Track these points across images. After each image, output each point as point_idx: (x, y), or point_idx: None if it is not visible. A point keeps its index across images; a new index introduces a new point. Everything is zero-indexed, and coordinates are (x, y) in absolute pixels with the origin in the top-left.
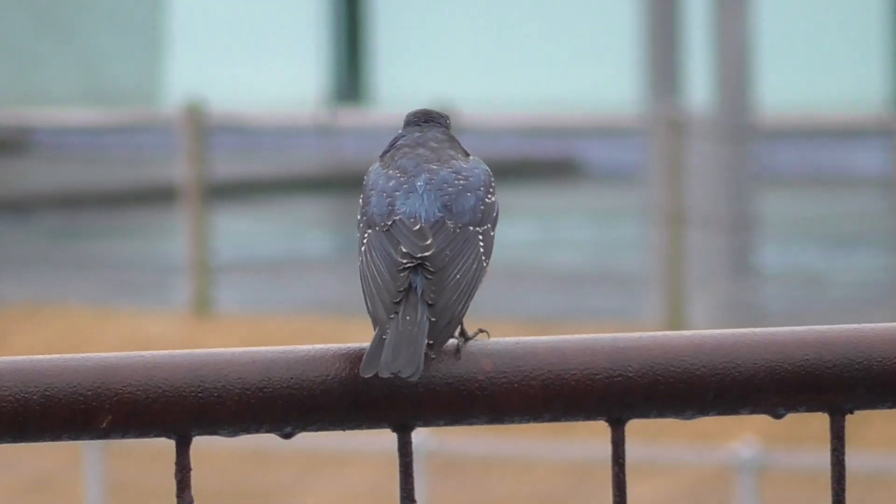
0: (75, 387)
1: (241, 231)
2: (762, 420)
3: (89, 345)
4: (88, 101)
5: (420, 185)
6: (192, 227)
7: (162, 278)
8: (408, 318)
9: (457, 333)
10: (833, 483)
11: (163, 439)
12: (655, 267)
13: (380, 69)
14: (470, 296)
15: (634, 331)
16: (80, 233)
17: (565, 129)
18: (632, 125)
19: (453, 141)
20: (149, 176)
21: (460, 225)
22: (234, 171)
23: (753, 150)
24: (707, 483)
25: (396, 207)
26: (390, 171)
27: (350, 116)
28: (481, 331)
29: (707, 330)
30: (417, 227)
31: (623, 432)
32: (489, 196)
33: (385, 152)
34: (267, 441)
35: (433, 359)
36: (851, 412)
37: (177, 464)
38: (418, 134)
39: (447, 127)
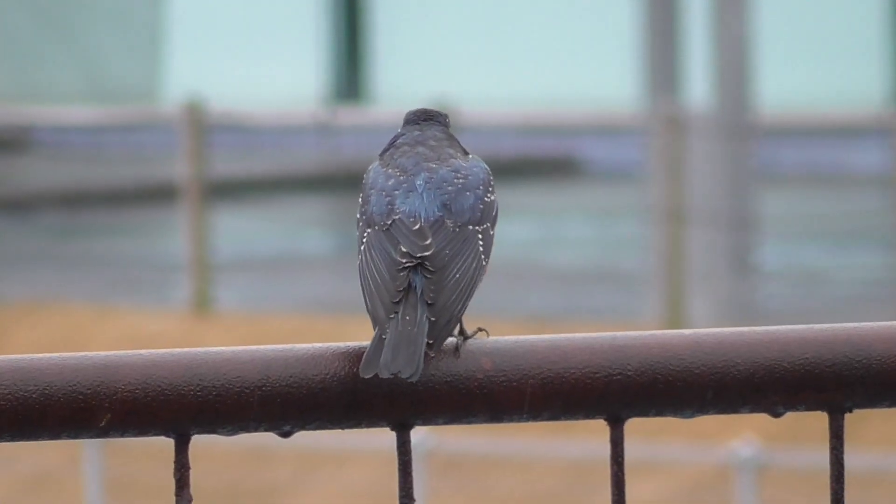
0: (74, 385)
1: (240, 229)
2: (761, 419)
3: (89, 343)
4: (88, 99)
5: (419, 184)
6: (192, 226)
7: (161, 276)
8: (407, 317)
9: (456, 332)
10: (832, 482)
11: (162, 438)
12: (655, 265)
13: (379, 67)
14: (469, 295)
15: (634, 329)
16: (79, 231)
17: (565, 127)
18: (631, 123)
19: (452, 140)
20: (149, 174)
21: (459, 224)
22: (233, 170)
23: (753, 148)
24: (706, 482)
25: (396, 206)
26: (390, 170)
27: (350, 115)
28: (480, 329)
29: (706, 328)
30: (417, 226)
31: (622, 431)
32: (488, 195)
33: (384, 151)
34: (266, 439)
35: (433, 357)
36: (850, 411)
37: (176, 462)
38: (418, 132)
39: (446, 126)
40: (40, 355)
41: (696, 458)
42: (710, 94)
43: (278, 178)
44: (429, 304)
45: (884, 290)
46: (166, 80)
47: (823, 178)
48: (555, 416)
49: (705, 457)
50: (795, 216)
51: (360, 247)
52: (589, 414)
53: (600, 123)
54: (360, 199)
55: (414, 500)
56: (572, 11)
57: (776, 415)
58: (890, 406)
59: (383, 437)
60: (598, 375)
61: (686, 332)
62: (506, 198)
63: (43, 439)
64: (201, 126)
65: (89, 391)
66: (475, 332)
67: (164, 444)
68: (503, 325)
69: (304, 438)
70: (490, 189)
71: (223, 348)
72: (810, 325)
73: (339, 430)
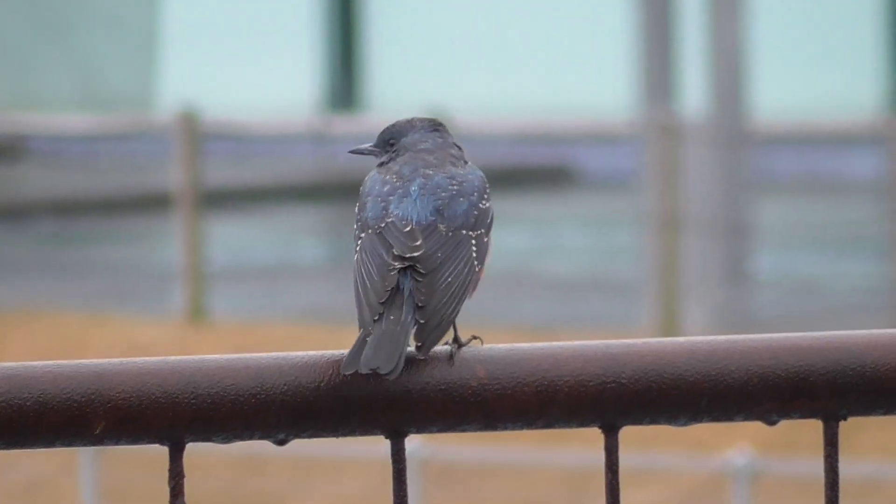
0: (69, 393)
1: (235, 238)
2: (756, 427)
3: (83, 351)
4: (83, 108)
5: (414, 190)
6: (186, 234)
7: (156, 285)
8: (392, 317)
9: (450, 340)
10: (826, 490)
11: (156, 446)
12: (650, 273)
13: (374, 76)
14: (461, 300)
15: (629, 337)
16: (74, 239)
17: (559, 136)
18: (626, 131)
19: (455, 148)
20: (143, 182)
21: (452, 229)
22: (228, 178)
23: (748, 156)
24: (701, 490)
25: (390, 210)
26: (387, 177)
27: (344, 123)
28: (475, 337)
29: (700, 336)
30: (408, 228)
31: (617, 439)
32: (483, 202)
33: (382, 163)
34: (261, 448)
35: (422, 359)
36: (845, 418)
37: (170, 470)
38: (422, 142)
39: (449, 135)
40: (35, 363)
41: (690, 466)
42: (706, 102)
43: (273, 187)
44: (419, 307)
45: (878, 298)
46: (161, 88)
47: (818, 186)
48: (549, 425)
49: (700, 465)
50: (790, 224)
51: (355, 251)
52: (583, 422)
53: (595, 132)
54: (356, 208)
55: None
56: (567, 20)
57: (771, 423)
58: (884, 414)
59: (378, 446)
60: (592, 383)
61: (680, 339)
62: (501, 206)
63: (37, 447)
64: (196, 134)
65: (84, 399)
66: (469, 340)
67: (158, 452)
68: (498, 332)
69: (299, 446)
70: (485, 196)
71: (217, 356)
72: (804, 333)
73: (334, 439)
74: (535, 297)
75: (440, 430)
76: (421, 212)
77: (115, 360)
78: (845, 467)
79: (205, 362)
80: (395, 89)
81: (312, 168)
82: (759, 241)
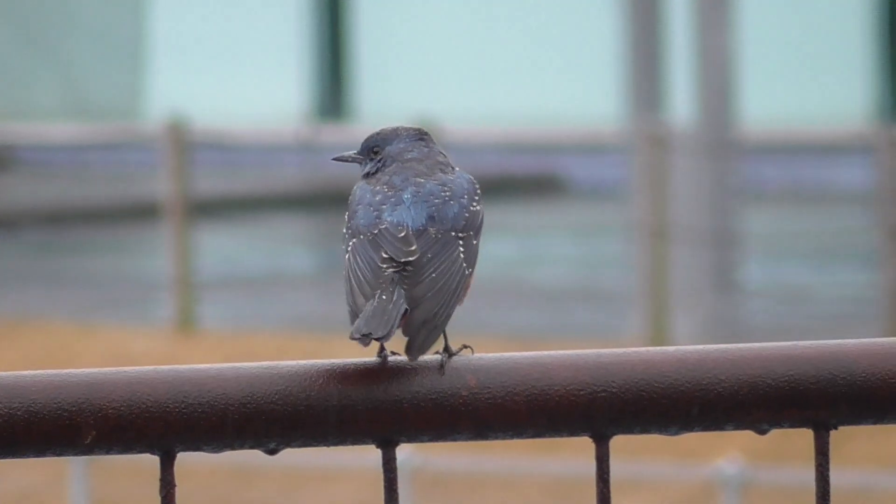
0: (59, 402)
1: (224, 247)
2: (746, 437)
3: (73, 361)
4: (71, 117)
5: (407, 198)
6: (175, 244)
7: (145, 294)
8: (383, 297)
9: (441, 349)
10: (817, 499)
11: (147, 455)
12: (638, 283)
13: (362, 85)
14: (450, 302)
15: (618, 347)
16: (62, 249)
17: (548, 146)
18: (614, 141)
19: (441, 155)
20: (132, 192)
21: (442, 231)
22: (217, 188)
23: (736, 166)
24: (691, 500)
25: (383, 218)
26: (377, 188)
27: (332, 133)
28: (465, 346)
29: (690, 346)
30: (403, 234)
31: (607, 448)
32: (473, 204)
33: (369, 173)
34: (251, 457)
35: (411, 366)
36: (835, 427)
37: (161, 480)
38: (408, 151)
39: (433, 143)
40: (24, 372)
41: (681, 475)
42: (694, 111)
43: (261, 196)
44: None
45: (867, 307)
46: (149, 98)
47: (807, 195)
48: (540, 434)
49: (690, 474)
50: (779, 233)
51: (345, 256)
52: (574, 431)
53: (583, 141)
54: (346, 216)
55: None
56: (555, 30)
57: (761, 432)
58: (874, 423)
59: (369, 455)
60: (582, 392)
61: (670, 349)
62: (489, 216)
63: (28, 457)
64: (184, 144)
65: (74, 408)
66: (460, 349)
67: (149, 462)
68: (487, 342)
69: (290, 456)
70: (475, 199)
71: (208, 366)
72: (794, 342)
73: (325, 448)
74: (523, 307)
75: (431, 440)
76: (415, 218)
77: (106, 370)
78: (836, 476)
79: (195, 372)
80: (383, 99)
81: (300, 178)
82: (747, 251)
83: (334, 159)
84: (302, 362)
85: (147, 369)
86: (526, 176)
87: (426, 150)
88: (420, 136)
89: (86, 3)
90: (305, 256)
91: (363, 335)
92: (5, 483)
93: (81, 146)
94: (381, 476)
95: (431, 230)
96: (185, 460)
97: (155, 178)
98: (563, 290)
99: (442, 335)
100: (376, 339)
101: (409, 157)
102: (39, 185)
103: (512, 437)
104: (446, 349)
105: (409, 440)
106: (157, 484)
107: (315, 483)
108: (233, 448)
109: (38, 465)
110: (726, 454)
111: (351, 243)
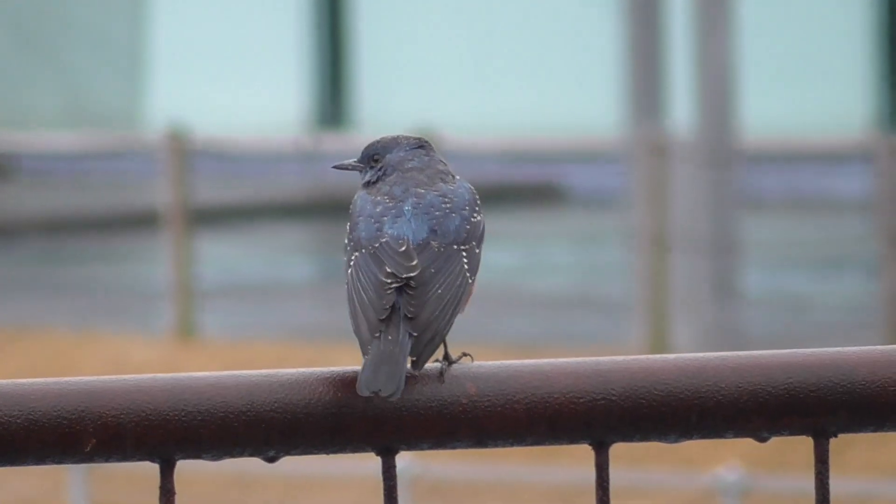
0: (59, 410)
1: (224, 256)
2: (746, 445)
3: (72, 370)
4: (71, 126)
5: (407, 210)
6: (175, 252)
7: (145, 303)
8: (390, 337)
9: (441, 357)
10: None
11: (147, 463)
12: (638, 291)
13: (362, 94)
14: (453, 312)
15: (618, 355)
16: (63, 257)
17: (548, 154)
18: (614, 149)
19: (441, 164)
20: (131, 201)
21: (444, 244)
22: (216, 196)
23: (736, 174)
24: None
25: (384, 230)
26: (378, 198)
27: (333, 141)
28: (465, 354)
29: (690, 353)
30: (403, 248)
31: (607, 456)
32: (475, 215)
33: (370, 182)
34: (251, 465)
35: (416, 375)
36: (835, 435)
37: (161, 488)
38: (408, 160)
39: (434, 151)
40: (24, 380)
41: (681, 483)
42: (694, 119)
43: (261, 205)
44: (410, 319)
45: (867, 315)
46: (149, 106)
47: (806, 203)
48: (539, 441)
49: (690, 482)
50: (779, 242)
51: (347, 270)
52: (573, 438)
53: (583, 150)
54: (347, 227)
55: None
56: (555, 38)
57: (761, 439)
58: (874, 430)
59: (369, 463)
60: (582, 400)
61: (670, 356)
62: (489, 224)
63: (27, 465)
64: (184, 152)
65: (74, 416)
66: (460, 357)
67: (149, 470)
68: (486, 350)
69: (290, 463)
70: (476, 209)
71: (207, 373)
72: (794, 350)
73: (325, 456)
74: (523, 315)
75: (431, 447)
76: (416, 231)
77: (106, 378)
78: (836, 484)
79: (195, 380)
80: (384, 107)
81: (301, 186)
82: (747, 259)
83: (334, 167)
84: (302, 370)
85: (147, 377)
86: (526, 184)
87: (427, 158)
88: (420, 144)
89: (86, 11)
90: (305, 265)
91: (373, 392)
92: (5, 491)
93: (82, 155)
94: (381, 484)
95: (434, 244)
96: (185, 468)
97: (155, 186)
98: (563, 298)
99: (442, 344)
100: (387, 398)
101: (410, 166)
102: (39, 193)
103: (512, 444)
104: (446, 357)
105: (409, 448)
106: (157, 492)
107: (315, 491)
108: (233, 456)
109: (38, 472)
110: (726, 462)
111: (353, 257)
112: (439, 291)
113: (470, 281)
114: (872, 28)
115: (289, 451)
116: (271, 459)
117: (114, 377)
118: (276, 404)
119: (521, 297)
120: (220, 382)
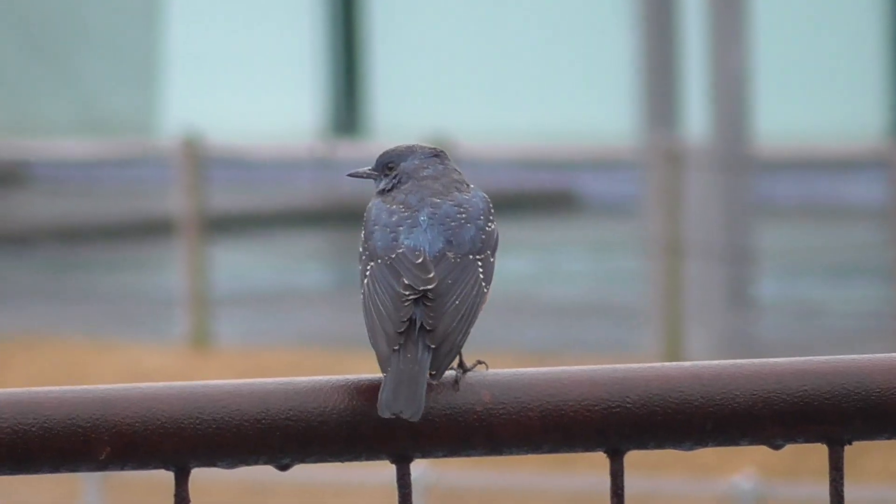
0: (74, 419)
1: (238, 264)
2: (761, 453)
3: (87, 377)
4: (84, 133)
5: (423, 220)
6: (190, 260)
7: (160, 311)
8: (409, 355)
9: (455, 365)
10: None
11: (161, 471)
12: (653, 299)
13: (377, 101)
14: (470, 322)
15: (632, 363)
16: (76, 265)
17: (563, 162)
18: (629, 157)
19: (456, 173)
20: (146, 208)
21: (460, 255)
22: (231, 204)
23: (750, 181)
24: None
25: (400, 241)
26: (393, 207)
27: (347, 149)
28: (479, 362)
29: (704, 361)
30: (420, 259)
31: (622, 463)
32: (489, 224)
33: (384, 190)
34: (266, 473)
35: (434, 386)
36: (850, 443)
37: (175, 496)
38: (423, 169)
39: (449, 160)
40: (39, 388)
41: (696, 490)
42: (708, 127)
43: (276, 213)
44: (428, 331)
45: (882, 322)
46: (163, 113)
47: (821, 210)
48: (554, 449)
49: (705, 489)
50: (793, 249)
51: (363, 280)
52: (588, 446)
53: (598, 157)
54: (362, 235)
55: None
56: (569, 45)
57: (776, 447)
58: (889, 438)
59: (383, 471)
60: (597, 408)
61: (685, 364)
62: (503, 232)
63: (42, 472)
64: (198, 160)
65: (89, 424)
66: (474, 365)
67: (163, 478)
68: (501, 358)
69: (305, 471)
70: (490, 218)
71: (222, 381)
72: (808, 357)
73: (339, 464)
74: (537, 323)
75: (445, 455)
76: (432, 242)
77: (120, 386)
78: (850, 492)
79: (209, 388)
80: (398, 115)
81: (315, 193)
82: (762, 266)
83: (349, 175)
84: (316, 378)
85: (162, 385)
86: (540, 192)
87: (441, 167)
88: (436, 153)
89: (100, 18)
90: (320, 272)
91: (394, 414)
92: (19, 499)
93: (95, 162)
94: (396, 492)
95: (450, 255)
96: (200, 476)
97: (169, 194)
98: (578, 306)
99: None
100: (408, 419)
101: (425, 174)
102: (53, 201)
103: (527, 452)
104: (461, 365)
105: (424, 455)
106: (172, 500)
107: (329, 499)
108: (247, 464)
109: (52, 480)
110: (741, 469)
111: (369, 267)
112: (456, 303)
113: (485, 290)
114: (887, 35)
115: (304, 458)
116: (284, 467)
117: (128, 385)
118: (290, 412)
119: (536, 304)
120: (235, 390)
